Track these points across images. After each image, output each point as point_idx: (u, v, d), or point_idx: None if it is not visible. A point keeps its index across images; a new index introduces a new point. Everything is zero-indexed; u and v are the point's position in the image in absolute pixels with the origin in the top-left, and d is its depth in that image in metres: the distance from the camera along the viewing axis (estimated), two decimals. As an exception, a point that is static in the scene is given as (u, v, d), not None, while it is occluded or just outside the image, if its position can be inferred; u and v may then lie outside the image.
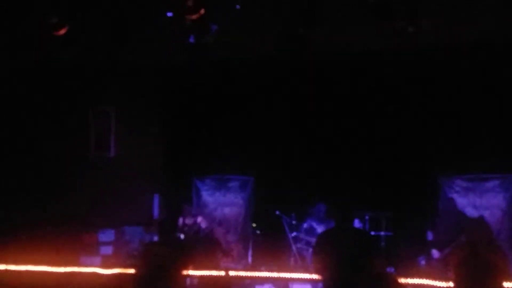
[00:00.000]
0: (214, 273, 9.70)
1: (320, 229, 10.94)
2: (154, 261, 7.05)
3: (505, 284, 6.93)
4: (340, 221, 6.72)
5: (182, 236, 11.03)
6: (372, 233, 11.02)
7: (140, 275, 7.27)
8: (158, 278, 6.64)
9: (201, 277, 9.51)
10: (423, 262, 10.75)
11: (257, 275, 10.12)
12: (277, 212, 11.60)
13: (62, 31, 9.32)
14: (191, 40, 9.30)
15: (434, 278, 9.53)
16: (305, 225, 11.49)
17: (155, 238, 10.60)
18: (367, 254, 6.35)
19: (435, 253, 10.64)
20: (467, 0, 8.98)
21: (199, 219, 11.48)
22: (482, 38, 10.02)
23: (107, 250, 11.57)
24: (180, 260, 6.91)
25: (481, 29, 9.58)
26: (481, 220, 7.75)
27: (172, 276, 6.73)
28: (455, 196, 11.36)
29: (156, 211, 12.42)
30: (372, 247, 6.68)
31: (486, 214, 10.92)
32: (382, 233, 11.26)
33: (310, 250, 10.90)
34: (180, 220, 11.33)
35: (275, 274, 9.99)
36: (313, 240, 10.87)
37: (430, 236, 10.90)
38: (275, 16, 9.22)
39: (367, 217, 11.26)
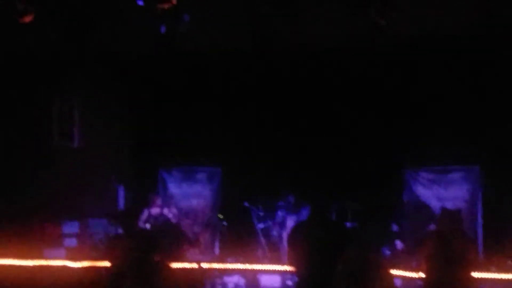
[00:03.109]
0: (186, 265, 9.66)
1: (290, 220, 10.96)
2: (123, 254, 7.00)
3: (473, 274, 7.06)
4: (315, 213, 6.73)
5: (148, 226, 10.96)
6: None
7: (112, 268, 7.22)
8: (130, 270, 6.57)
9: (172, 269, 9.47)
10: (388, 253, 10.90)
11: (228, 267, 10.12)
12: (246, 204, 11.59)
13: (28, 18, 9.12)
14: (162, 30, 9.21)
15: (399, 268, 9.72)
16: (270, 217, 11.50)
17: (120, 230, 10.48)
18: (341, 245, 6.39)
19: (399, 244, 10.79)
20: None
21: (165, 210, 11.39)
22: (449, 31, 10.13)
23: (71, 242, 11.40)
24: (149, 251, 6.86)
25: (447, 23, 9.69)
26: (453, 211, 7.86)
27: (143, 267, 6.67)
28: (419, 188, 11.51)
29: (121, 203, 12.30)
30: (346, 238, 6.72)
31: (450, 205, 11.08)
32: (348, 224, 11.33)
33: (281, 241, 10.96)
34: (146, 211, 11.23)
35: (246, 266, 10.00)
36: (283, 231, 10.94)
37: (395, 227, 11.05)
38: (248, 8, 9.19)
39: (334, 208, 11.32)
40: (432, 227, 9.85)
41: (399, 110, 11.59)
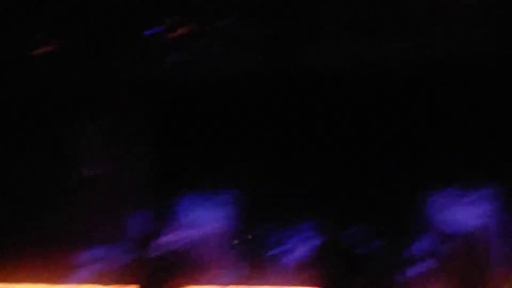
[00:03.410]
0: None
1: (307, 246, 10.94)
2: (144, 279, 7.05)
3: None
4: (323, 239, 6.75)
5: (165, 251, 10.99)
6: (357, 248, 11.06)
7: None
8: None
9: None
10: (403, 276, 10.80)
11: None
12: (260, 229, 11.56)
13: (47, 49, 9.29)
14: (173, 57, 9.31)
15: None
16: (288, 240, 11.44)
17: (140, 255, 10.55)
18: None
19: (414, 268, 10.67)
20: (456, 16, 9.05)
21: (181, 236, 11.40)
22: (465, 53, 10.12)
23: (89, 269, 11.43)
24: (168, 276, 6.91)
25: (465, 45, 9.69)
26: (467, 236, 7.81)
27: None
28: (434, 211, 11.41)
29: (138, 229, 12.33)
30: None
31: (466, 229, 11.03)
32: (363, 249, 11.25)
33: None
34: (162, 237, 11.26)
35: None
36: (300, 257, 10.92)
37: (408, 252, 10.94)
38: (261, 31, 9.27)
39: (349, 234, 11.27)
40: (447, 249, 9.82)
41: (414, 133, 11.54)
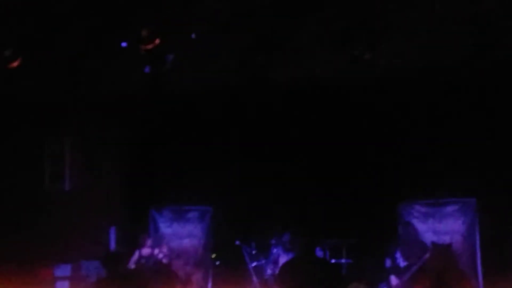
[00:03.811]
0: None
1: (284, 258, 10.83)
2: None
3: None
4: (302, 251, 6.69)
5: (133, 266, 10.86)
6: (333, 261, 10.99)
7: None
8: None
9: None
10: (384, 289, 10.74)
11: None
12: (237, 242, 11.46)
13: (16, 63, 9.17)
14: (147, 70, 9.21)
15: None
16: (262, 255, 11.38)
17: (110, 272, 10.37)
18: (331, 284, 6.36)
19: (393, 279, 10.61)
20: (421, 27, 9.04)
21: (156, 250, 11.29)
22: (441, 63, 10.10)
23: (64, 285, 11.33)
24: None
25: (438, 56, 9.67)
26: (444, 246, 7.73)
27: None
28: (414, 221, 11.33)
29: (113, 244, 12.19)
30: (333, 277, 6.67)
31: (446, 239, 10.98)
32: (343, 260, 11.19)
33: (274, 280, 10.80)
34: (137, 252, 11.15)
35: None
36: (277, 270, 10.77)
37: (388, 263, 10.86)
38: (233, 44, 9.21)
39: (328, 245, 11.19)
40: (427, 262, 9.73)
41: (393, 143, 11.48)
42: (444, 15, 8.62)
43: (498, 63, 9.80)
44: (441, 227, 11.19)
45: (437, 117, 11.14)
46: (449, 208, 11.28)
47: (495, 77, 10.44)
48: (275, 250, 11.24)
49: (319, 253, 10.86)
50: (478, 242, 10.93)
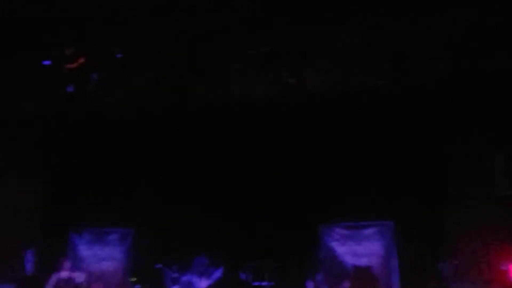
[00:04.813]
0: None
1: (199, 282, 10.79)
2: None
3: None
4: (228, 274, 6.69)
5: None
6: (255, 283, 10.99)
7: None
8: None
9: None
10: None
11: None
12: (158, 266, 11.31)
13: None
14: (70, 89, 9.03)
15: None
16: (183, 279, 11.27)
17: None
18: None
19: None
20: (346, 53, 9.22)
21: (75, 274, 10.97)
22: (360, 86, 10.27)
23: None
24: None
25: (359, 79, 9.84)
26: (365, 268, 7.85)
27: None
28: (334, 244, 11.50)
29: (29, 267, 11.78)
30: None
31: (365, 261, 11.17)
32: (265, 283, 11.20)
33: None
34: (54, 275, 10.79)
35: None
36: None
37: (310, 285, 10.95)
38: (162, 65, 9.15)
39: (250, 268, 11.18)
40: (347, 284, 9.86)
41: (313, 166, 11.60)
42: (363, 42, 8.84)
43: (412, 88, 10.06)
44: (361, 249, 11.38)
45: (357, 141, 11.33)
46: (368, 231, 11.50)
47: (411, 102, 10.68)
48: (193, 274, 11.19)
49: (242, 275, 10.87)
50: (396, 263, 11.19)
